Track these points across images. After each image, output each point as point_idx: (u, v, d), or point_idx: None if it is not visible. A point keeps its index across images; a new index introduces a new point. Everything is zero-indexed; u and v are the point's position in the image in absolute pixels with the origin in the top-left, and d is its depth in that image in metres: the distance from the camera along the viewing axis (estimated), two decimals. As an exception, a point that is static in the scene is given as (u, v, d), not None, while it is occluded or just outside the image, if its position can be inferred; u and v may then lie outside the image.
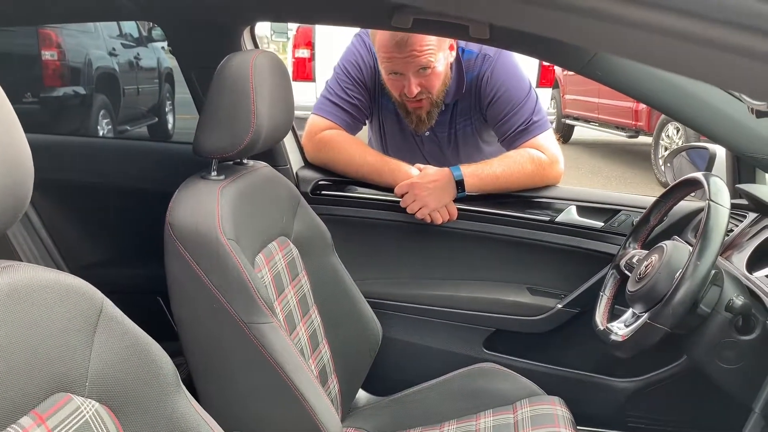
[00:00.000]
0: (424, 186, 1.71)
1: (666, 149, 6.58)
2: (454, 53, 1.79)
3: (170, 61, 7.04)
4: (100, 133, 5.56)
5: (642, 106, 7.03)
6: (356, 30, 1.92)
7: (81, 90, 5.52)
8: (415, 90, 1.73)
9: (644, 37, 0.44)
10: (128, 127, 6.41)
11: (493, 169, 1.74)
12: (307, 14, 1.73)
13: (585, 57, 1.48)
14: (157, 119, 7.05)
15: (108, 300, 0.80)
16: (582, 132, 9.26)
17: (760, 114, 1.14)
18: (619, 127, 7.88)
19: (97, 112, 5.59)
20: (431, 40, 1.67)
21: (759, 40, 0.40)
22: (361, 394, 1.71)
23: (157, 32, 6.79)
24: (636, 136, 7.75)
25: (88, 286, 0.78)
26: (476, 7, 0.50)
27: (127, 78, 6.33)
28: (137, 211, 1.75)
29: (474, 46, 1.80)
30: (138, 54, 6.61)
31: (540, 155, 1.76)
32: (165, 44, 6.97)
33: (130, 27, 6.53)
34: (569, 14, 0.45)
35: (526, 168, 1.74)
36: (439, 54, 1.71)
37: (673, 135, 6.55)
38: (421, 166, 1.77)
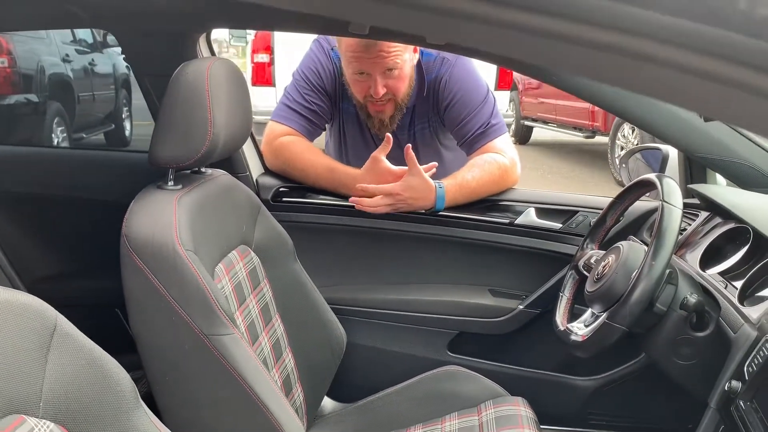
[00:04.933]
0: (404, 199, 1.69)
1: (622, 149, 6.72)
2: (417, 56, 1.80)
3: (126, 67, 6.93)
4: (55, 142, 5.43)
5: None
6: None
7: (33, 97, 5.39)
8: (382, 91, 1.73)
9: (593, 55, 0.45)
10: (84, 135, 6.28)
11: (471, 186, 1.73)
12: (264, 21, 1.71)
13: (540, 62, 1.50)
14: (113, 126, 6.92)
15: (62, 317, 0.78)
16: (540, 133, 9.40)
17: (707, 118, 1.17)
18: (576, 127, 8.03)
19: (51, 119, 5.46)
20: None
21: (705, 60, 0.42)
22: (327, 402, 1.70)
23: (113, 38, 6.65)
24: (593, 137, 7.90)
25: (40, 304, 0.76)
26: (429, 27, 0.51)
27: (82, 84, 6.20)
28: (93, 222, 1.72)
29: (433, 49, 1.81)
30: (93, 60, 6.48)
31: (503, 160, 1.77)
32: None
33: (84, 33, 6.40)
34: (522, 34, 0.45)
35: (494, 176, 1.76)
36: (405, 55, 1.72)
37: (629, 135, 6.70)
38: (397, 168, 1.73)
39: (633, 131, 6.61)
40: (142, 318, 1.17)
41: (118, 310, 1.81)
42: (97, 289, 1.83)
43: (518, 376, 1.78)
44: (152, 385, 1.19)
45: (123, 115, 7.13)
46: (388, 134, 1.70)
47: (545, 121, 8.79)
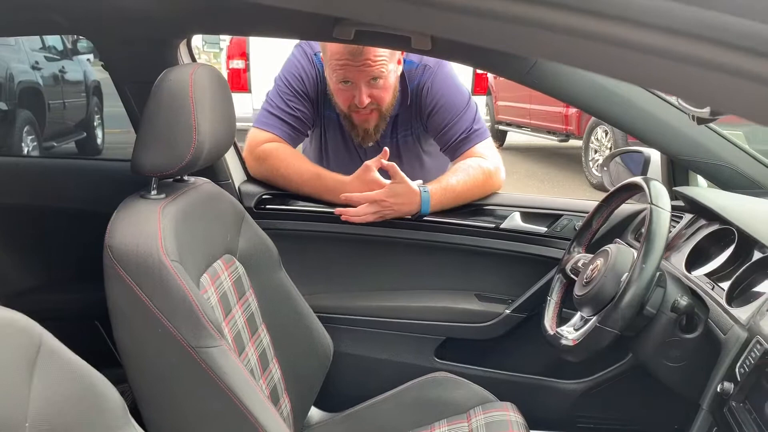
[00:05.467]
0: (389, 205, 1.68)
1: (596, 152, 6.81)
2: (401, 67, 1.79)
3: (98, 74, 6.82)
4: (25, 151, 5.32)
5: (572, 110, 7.26)
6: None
7: (2, 106, 5.28)
8: (366, 100, 1.72)
9: (583, 45, 0.45)
10: (55, 143, 6.16)
11: (456, 190, 1.73)
12: (246, 26, 1.69)
13: (526, 66, 1.51)
14: (85, 134, 6.80)
15: (47, 333, 0.76)
16: (515, 137, 9.48)
17: (701, 121, 1.17)
18: (550, 131, 8.10)
19: (20, 128, 5.35)
20: (384, 51, 1.66)
21: (697, 46, 0.41)
22: (314, 412, 1.68)
23: (83, 44, 6.57)
24: (567, 140, 7.98)
25: (25, 320, 0.73)
26: (417, 20, 0.50)
27: (52, 92, 6.09)
28: (70, 233, 1.67)
29: (414, 56, 1.81)
30: (63, 67, 6.37)
31: (487, 164, 1.77)
32: (91, 56, 6.75)
33: (53, 39, 6.28)
34: (511, 25, 0.45)
35: (478, 180, 1.75)
36: (390, 65, 1.71)
37: (602, 138, 6.78)
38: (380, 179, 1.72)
39: (606, 134, 6.69)
40: (126, 330, 1.14)
41: (99, 323, 1.77)
42: (75, 301, 1.78)
43: (506, 381, 1.78)
44: (138, 399, 1.16)
45: (95, 123, 7.01)
46: (386, 148, 1.69)
47: (519, 125, 8.85)
